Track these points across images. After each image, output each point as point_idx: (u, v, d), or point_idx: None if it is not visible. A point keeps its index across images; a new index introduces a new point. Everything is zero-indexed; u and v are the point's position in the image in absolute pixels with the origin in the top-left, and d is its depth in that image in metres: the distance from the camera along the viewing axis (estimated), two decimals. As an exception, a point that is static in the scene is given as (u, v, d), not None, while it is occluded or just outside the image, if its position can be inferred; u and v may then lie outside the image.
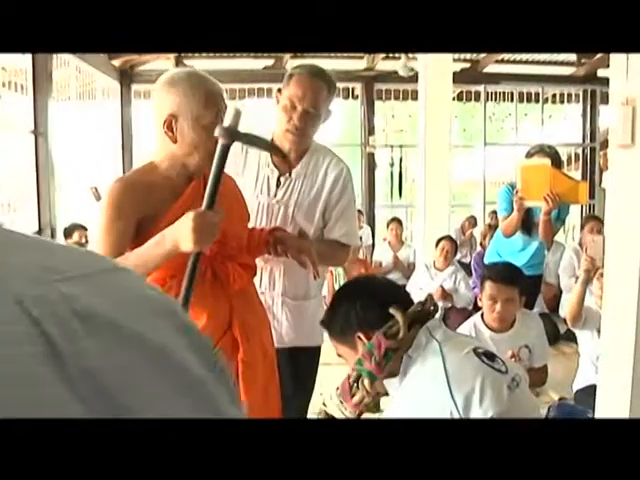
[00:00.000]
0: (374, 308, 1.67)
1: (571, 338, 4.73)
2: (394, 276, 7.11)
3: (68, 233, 6.24)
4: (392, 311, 1.62)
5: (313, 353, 2.47)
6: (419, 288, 5.89)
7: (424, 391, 1.54)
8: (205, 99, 1.84)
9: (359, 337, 1.66)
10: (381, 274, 7.09)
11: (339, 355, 1.78)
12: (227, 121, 1.71)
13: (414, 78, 7.22)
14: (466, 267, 7.14)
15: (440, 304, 5.72)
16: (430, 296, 1.75)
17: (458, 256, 7.87)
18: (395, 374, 1.64)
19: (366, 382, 1.60)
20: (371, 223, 9.28)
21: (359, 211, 8.86)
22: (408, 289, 6.05)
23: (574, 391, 3.84)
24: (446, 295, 5.77)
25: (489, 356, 1.61)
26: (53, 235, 6.25)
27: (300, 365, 2.33)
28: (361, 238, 8.12)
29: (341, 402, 1.68)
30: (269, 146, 1.94)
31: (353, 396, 1.63)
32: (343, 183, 2.41)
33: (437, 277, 5.89)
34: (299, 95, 2.24)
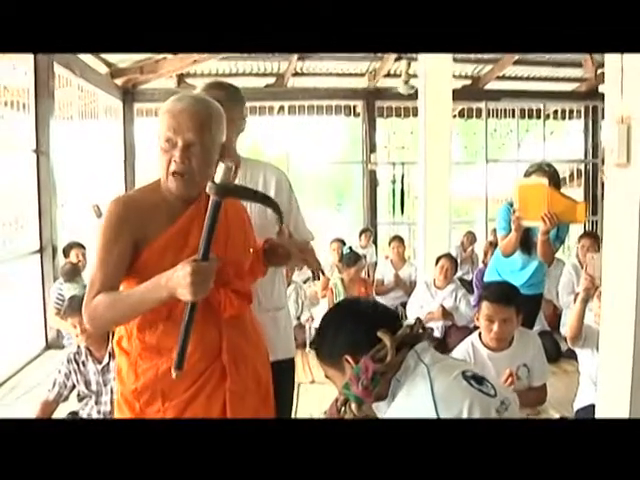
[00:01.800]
0: (362, 331, 1.64)
1: (573, 356, 4.68)
2: (396, 294, 7.09)
3: (66, 251, 6.25)
4: (380, 334, 1.60)
5: (289, 365, 2.47)
6: (420, 306, 5.86)
7: (411, 415, 1.51)
8: (164, 116, 1.83)
9: (347, 360, 1.64)
10: (383, 292, 7.08)
11: (327, 377, 1.76)
12: (218, 177, 1.70)
13: (415, 95, 7.25)
14: (468, 284, 7.12)
15: (441, 323, 5.71)
16: (419, 319, 1.73)
17: (460, 273, 7.85)
18: (383, 398, 1.61)
19: (353, 407, 1.57)
20: (374, 241, 9.26)
21: (369, 229, 8.86)
22: (409, 307, 6.04)
23: (575, 410, 3.80)
24: (447, 314, 5.74)
25: (478, 379, 1.58)
26: (54, 253, 6.26)
27: (279, 379, 2.30)
28: (365, 256, 8.12)
29: (329, 426, 1.66)
30: (262, 198, 1.93)
31: (341, 420, 1.62)
32: (286, 188, 2.45)
33: (437, 295, 5.87)
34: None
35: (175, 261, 1.82)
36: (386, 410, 1.60)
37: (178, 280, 1.69)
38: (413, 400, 1.54)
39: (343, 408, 1.60)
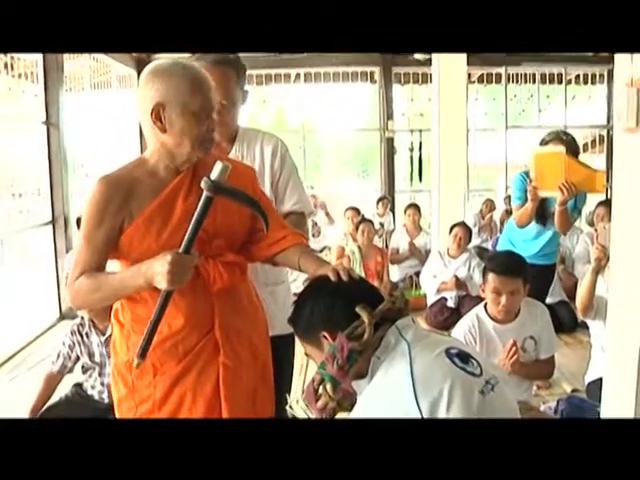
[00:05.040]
0: (340, 307, 1.57)
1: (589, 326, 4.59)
2: (411, 263, 7.01)
3: (79, 223, 6.25)
4: (358, 310, 1.53)
5: (288, 341, 2.41)
6: (433, 276, 5.79)
7: (388, 396, 1.44)
8: (191, 85, 1.79)
9: (324, 337, 1.57)
10: (398, 261, 7.00)
11: (306, 354, 1.70)
12: (214, 174, 1.71)
13: (431, 61, 7.09)
14: (487, 252, 7.00)
15: (454, 293, 5.64)
16: (402, 293, 1.65)
17: (478, 241, 7.74)
18: (364, 376, 1.54)
19: (328, 387, 1.49)
20: (391, 209, 9.14)
21: (386, 197, 8.75)
22: (422, 277, 5.96)
23: (586, 383, 3.72)
24: (460, 284, 5.66)
25: (463, 357, 1.50)
26: (66, 224, 6.25)
27: (278, 355, 2.26)
28: (382, 225, 8.02)
29: (307, 406, 1.60)
30: (251, 201, 1.88)
31: (318, 400, 1.55)
32: (281, 153, 2.47)
33: (451, 264, 5.79)
34: None
35: (159, 236, 1.82)
36: (364, 389, 1.54)
37: (157, 268, 1.71)
38: (391, 379, 1.47)
39: (320, 389, 1.53)
